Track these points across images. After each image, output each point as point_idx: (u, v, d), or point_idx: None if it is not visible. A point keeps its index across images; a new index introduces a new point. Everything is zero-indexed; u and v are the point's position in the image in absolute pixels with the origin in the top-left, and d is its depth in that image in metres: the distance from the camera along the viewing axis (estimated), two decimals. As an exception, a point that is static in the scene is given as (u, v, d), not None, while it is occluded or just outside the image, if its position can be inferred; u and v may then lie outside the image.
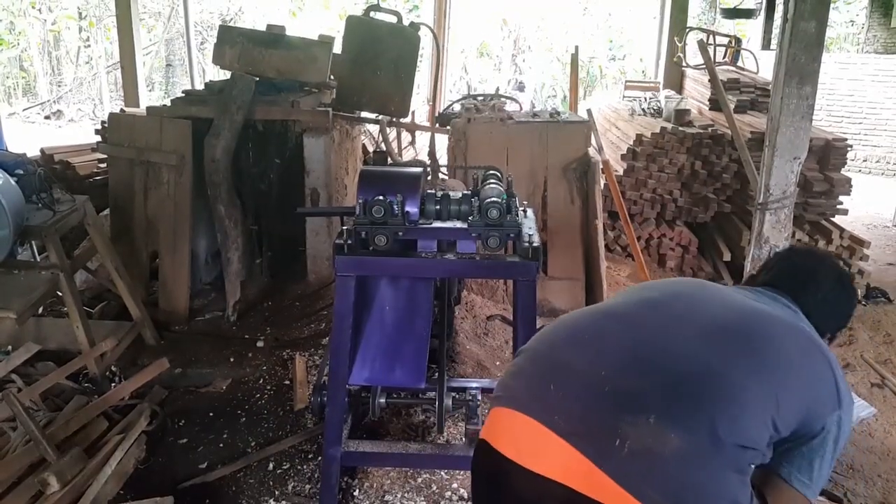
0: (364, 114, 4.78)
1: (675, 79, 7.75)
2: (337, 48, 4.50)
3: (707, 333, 1.40)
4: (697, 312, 1.47)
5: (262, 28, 4.56)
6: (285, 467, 2.71)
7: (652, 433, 1.23)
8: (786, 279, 1.67)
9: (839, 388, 1.42)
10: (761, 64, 7.73)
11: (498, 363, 3.54)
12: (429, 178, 2.56)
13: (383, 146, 4.90)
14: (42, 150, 5.08)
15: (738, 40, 8.15)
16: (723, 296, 1.57)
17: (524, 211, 2.29)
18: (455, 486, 2.58)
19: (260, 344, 3.72)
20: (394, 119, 4.87)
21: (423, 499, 2.53)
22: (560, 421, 1.30)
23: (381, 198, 2.04)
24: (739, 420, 1.27)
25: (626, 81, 8.16)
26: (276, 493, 2.58)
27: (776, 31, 8.88)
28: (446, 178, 4.23)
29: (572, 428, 1.28)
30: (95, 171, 5.06)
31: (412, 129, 5.96)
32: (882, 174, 9.55)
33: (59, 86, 13.83)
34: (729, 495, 1.25)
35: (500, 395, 1.46)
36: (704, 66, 5.85)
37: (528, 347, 1.52)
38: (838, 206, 4.98)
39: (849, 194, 4.95)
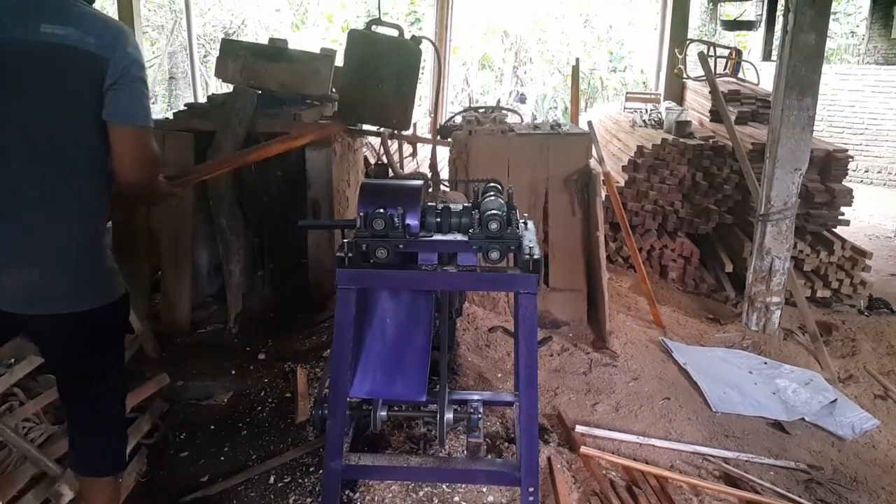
0: (366, 126, 4.80)
1: (676, 90, 7.79)
2: (339, 62, 4.53)
3: None
4: None
5: (265, 41, 4.59)
6: (286, 480, 2.71)
7: None
8: None
9: None
10: (762, 75, 7.78)
11: (499, 375, 3.53)
12: (429, 190, 2.56)
13: (385, 158, 4.92)
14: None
15: (739, 52, 8.19)
16: None
17: (525, 223, 2.29)
18: (457, 499, 2.57)
19: (261, 356, 3.71)
20: (395, 131, 4.89)
21: (424, 512, 2.52)
22: None
23: (381, 210, 2.04)
24: None
25: (627, 93, 8.19)
26: (278, 506, 2.58)
27: (776, 42, 8.92)
28: (447, 190, 4.24)
29: None
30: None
31: (413, 141, 5.99)
32: (884, 185, 9.56)
33: (64, 98, 13.87)
34: None
35: None
36: (705, 78, 5.87)
37: None
38: (840, 217, 4.99)
39: (850, 205, 4.96)
